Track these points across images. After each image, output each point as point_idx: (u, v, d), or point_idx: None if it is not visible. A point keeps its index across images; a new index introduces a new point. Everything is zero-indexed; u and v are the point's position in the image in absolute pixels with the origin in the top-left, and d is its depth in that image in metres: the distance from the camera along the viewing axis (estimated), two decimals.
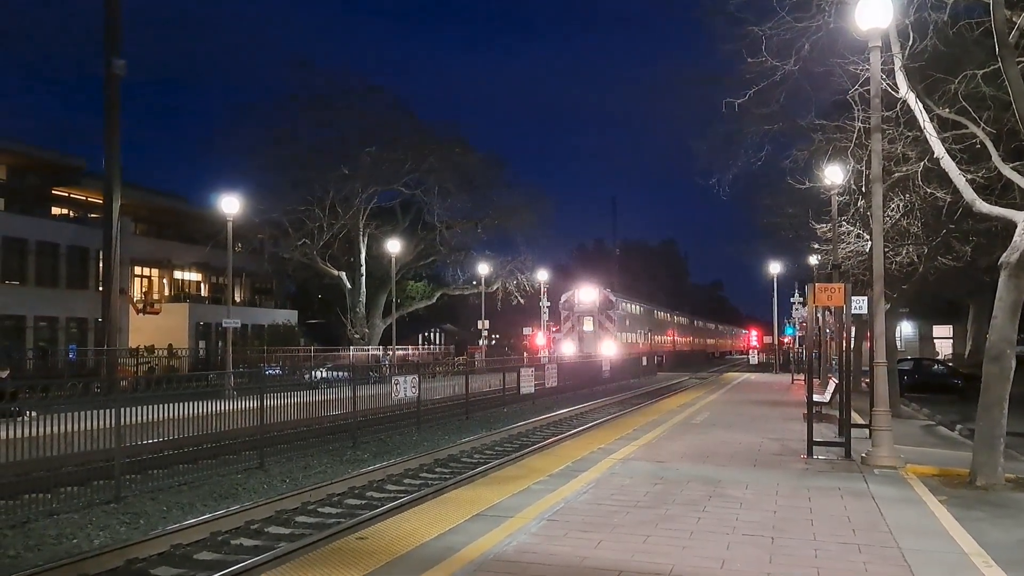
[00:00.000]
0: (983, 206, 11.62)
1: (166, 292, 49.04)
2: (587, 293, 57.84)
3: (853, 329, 24.87)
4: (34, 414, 12.86)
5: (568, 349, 54.23)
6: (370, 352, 43.49)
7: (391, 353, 40.18)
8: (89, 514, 11.39)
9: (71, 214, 45.56)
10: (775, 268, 49.64)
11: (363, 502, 12.83)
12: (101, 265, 35.25)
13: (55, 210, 44.92)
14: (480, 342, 54.48)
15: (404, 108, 46.01)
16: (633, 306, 65.62)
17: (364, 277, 42.81)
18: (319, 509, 12.16)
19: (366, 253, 42.80)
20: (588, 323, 56.81)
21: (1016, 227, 10.98)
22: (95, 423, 13.28)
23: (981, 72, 11.44)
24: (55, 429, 12.79)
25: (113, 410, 13.10)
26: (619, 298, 60.53)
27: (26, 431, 12.44)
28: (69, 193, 45.45)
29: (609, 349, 53.42)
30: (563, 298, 58.32)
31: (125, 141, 33.18)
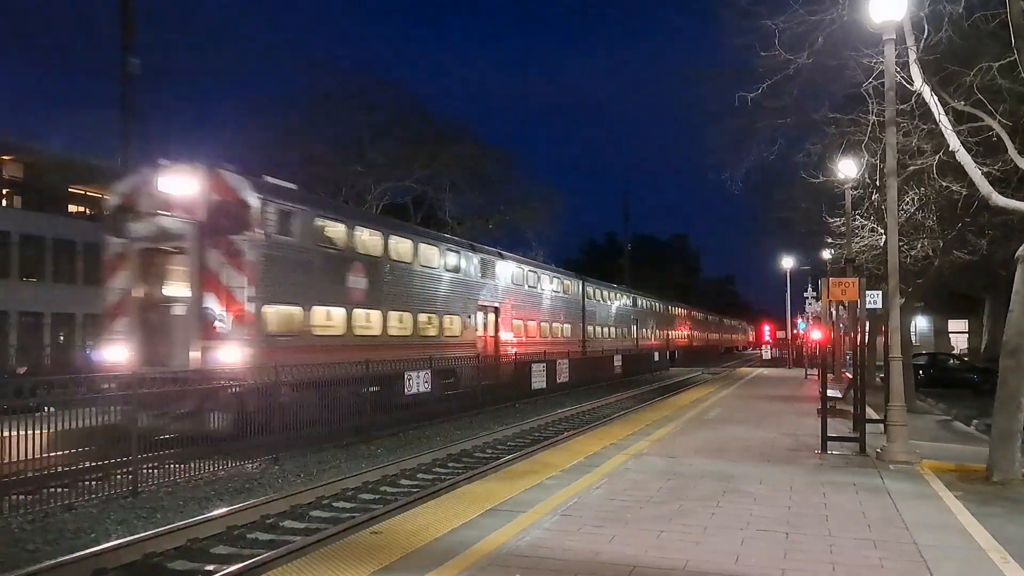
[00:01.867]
0: (999, 199, 11.56)
1: None
2: (174, 183, 17.78)
3: (867, 324, 24.79)
4: (52, 410, 12.93)
5: (116, 355, 17.42)
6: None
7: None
8: (107, 508, 11.45)
9: (87, 212, 45.80)
10: (788, 263, 49.47)
11: (377, 497, 12.87)
12: None
13: (71, 208, 45.16)
14: None
15: (416, 104, 46.09)
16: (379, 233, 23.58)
17: None
18: (333, 504, 12.21)
19: None
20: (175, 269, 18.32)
21: None
22: (113, 418, 13.32)
23: (997, 64, 11.38)
24: (73, 424, 12.84)
25: (131, 404, 13.12)
26: (283, 199, 18.92)
27: (45, 427, 12.48)
28: (85, 191, 45.70)
29: (232, 355, 16.93)
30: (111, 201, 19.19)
31: (140, 138, 33.32)
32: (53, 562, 8.70)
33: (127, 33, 30.00)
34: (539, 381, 30.35)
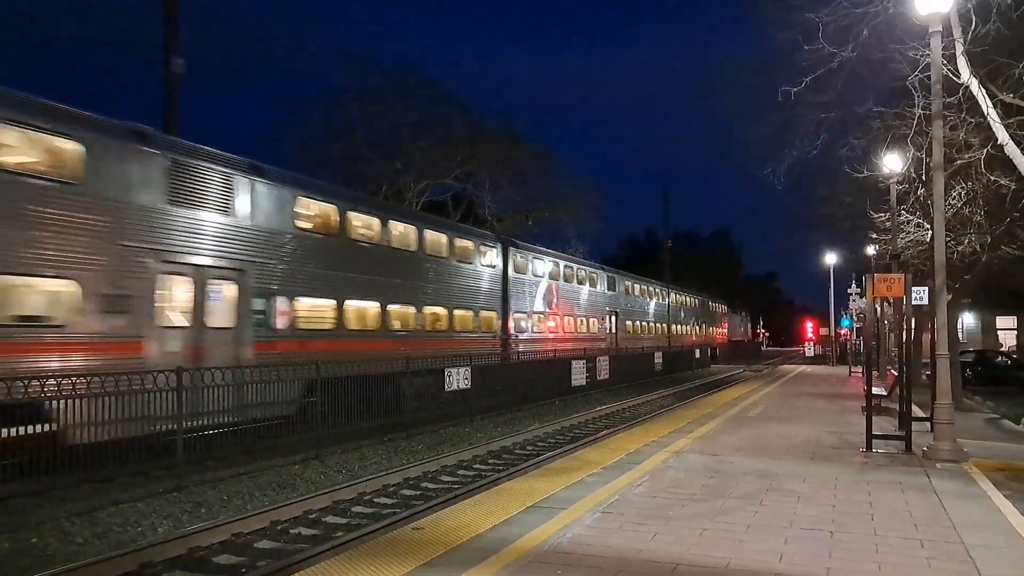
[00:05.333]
0: None
1: None
2: None
3: (913, 321, 24.42)
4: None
5: None
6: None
7: None
8: (152, 503, 11.65)
9: None
10: (831, 259, 48.83)
11: (418, 493, 12.95)
12: None
13: None
14: None
15: (455, 101, 46.16)
16: None
17: None
18: (375, 499, 12.30)
19: None
20: None
21: None
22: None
23: None
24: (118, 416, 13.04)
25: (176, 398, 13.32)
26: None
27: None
28: None
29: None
30: None
31: (181, 136, 33.68)
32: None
33: (171, 32, 30.30)
34: (579, 378, 30.28)
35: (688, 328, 58.75)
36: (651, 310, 49.32)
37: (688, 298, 60.15)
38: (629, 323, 43.24)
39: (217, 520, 10.64)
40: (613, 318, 40.68)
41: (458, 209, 45.47)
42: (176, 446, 12.76)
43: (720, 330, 73.10)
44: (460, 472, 14.75)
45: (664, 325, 51.15)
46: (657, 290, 51.24)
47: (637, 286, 46.68)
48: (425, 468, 14.58)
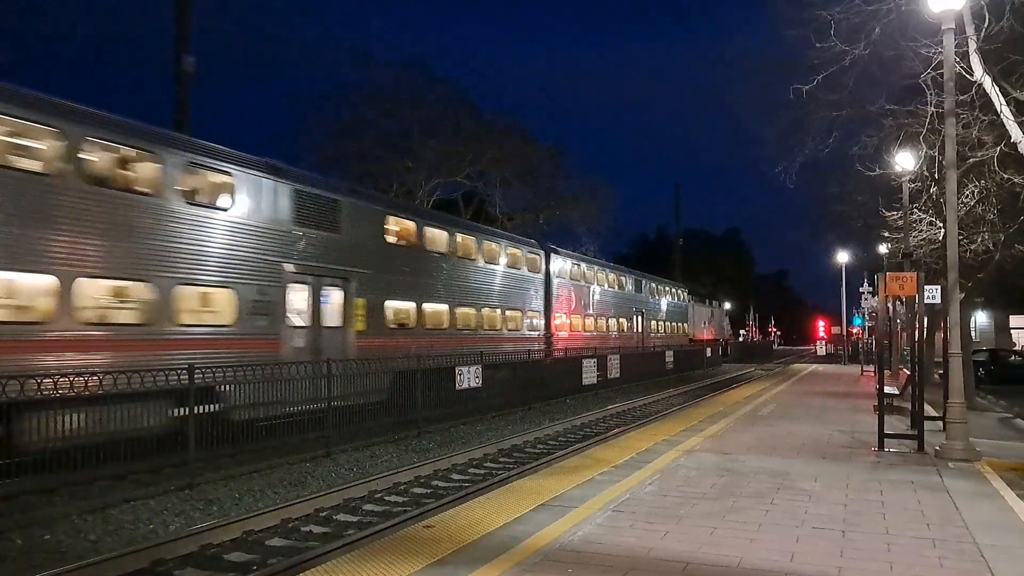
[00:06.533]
0: None
1: None
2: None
3: (926, 319, 24.30)
4: None
5: None
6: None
7: None
8: (164, 500, 11.69)
9: None
10: (843, 257, 48.64)
11: (429, 491, 12.96)
12: None
13: None
14: None
15: (465, 100, 46.14)
16: None
17: None
18: (386, 497, 12.32)
19: None
20: None
21: None
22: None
23: None
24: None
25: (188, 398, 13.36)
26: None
27: None
28: None
29: None
30: None
31: (191, 135, 33.69)
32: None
33: (182, 30, 30.29)
34: (590, 377, 30.25)
35: (606, 322, 39.04)
36: (515, 289, 28.56)
37: (603, 274, 39.54)
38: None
39: (229, 517, 10.67)
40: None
41: (469, 207, 45.49)
42: (188, 443, 12.83)
43: (678, 326, 52.92)
44: (471, 470, 14.75)
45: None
46: (528, 254, 30.26)
47: (470, 240, 25.75)
48: (436, 466, 14.59)
